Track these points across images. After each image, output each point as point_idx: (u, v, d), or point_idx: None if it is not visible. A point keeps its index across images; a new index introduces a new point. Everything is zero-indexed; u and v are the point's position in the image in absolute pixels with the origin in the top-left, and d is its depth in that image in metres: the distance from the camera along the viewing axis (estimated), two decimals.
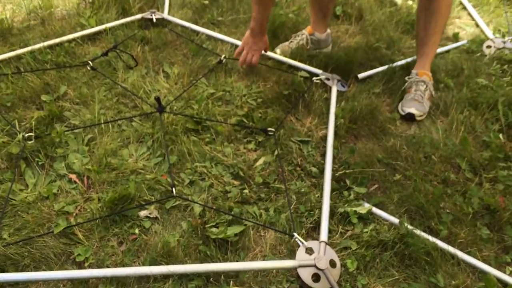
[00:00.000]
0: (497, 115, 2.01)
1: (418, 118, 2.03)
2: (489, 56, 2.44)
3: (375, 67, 2.30)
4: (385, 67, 2.27)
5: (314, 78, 2.13)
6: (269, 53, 2.26)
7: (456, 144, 1.87)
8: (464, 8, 2.87)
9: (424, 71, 2.13)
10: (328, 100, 2.06)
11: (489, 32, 2.61)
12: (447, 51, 2.48)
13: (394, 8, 2.78)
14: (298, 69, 2.21)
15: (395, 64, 2.29)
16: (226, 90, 2.07)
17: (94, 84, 2.03)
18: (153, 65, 2.17)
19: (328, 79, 2.15)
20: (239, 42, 2.31)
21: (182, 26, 2.44)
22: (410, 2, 2.84)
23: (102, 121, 1.82)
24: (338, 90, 2.11)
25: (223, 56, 2.20)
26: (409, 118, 2.03)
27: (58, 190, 1.58)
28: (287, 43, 2.36)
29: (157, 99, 1.84)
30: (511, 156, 1.83)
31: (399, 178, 1.72)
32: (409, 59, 2.34)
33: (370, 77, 2.24)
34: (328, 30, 2.38)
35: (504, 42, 2.50)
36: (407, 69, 2.28)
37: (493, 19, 2.76)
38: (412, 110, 2.01)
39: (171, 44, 2.33)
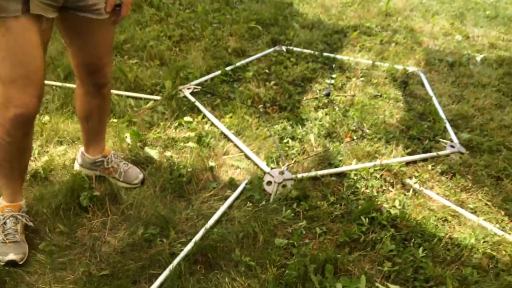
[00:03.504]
0: None
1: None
2: (274, 197, 2.13)
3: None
4: None
5: None
6: None
7: None
8: (228, 139, 2.53)
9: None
10: None
11: (262, 164, 2.32)
12: (230, 207, 2.07)
13: (152, 167, 2.26)
14: None
15: None
16: None
17: None
18: None
19: None
20: None
21: None
22: (168, 153, 2.37)
23: None
24: None
25: None
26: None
27: None
28: None
29: None
30: None
31: None
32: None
33: None
34: None
35: (282, 173, 2.24)
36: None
37: (260, 144, 2.50)
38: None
39: None
